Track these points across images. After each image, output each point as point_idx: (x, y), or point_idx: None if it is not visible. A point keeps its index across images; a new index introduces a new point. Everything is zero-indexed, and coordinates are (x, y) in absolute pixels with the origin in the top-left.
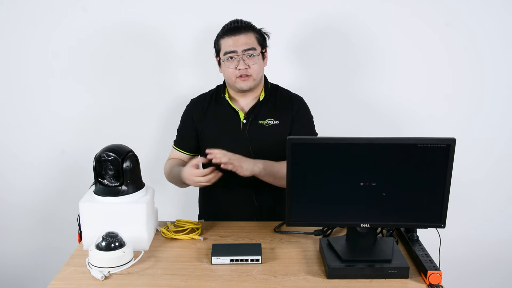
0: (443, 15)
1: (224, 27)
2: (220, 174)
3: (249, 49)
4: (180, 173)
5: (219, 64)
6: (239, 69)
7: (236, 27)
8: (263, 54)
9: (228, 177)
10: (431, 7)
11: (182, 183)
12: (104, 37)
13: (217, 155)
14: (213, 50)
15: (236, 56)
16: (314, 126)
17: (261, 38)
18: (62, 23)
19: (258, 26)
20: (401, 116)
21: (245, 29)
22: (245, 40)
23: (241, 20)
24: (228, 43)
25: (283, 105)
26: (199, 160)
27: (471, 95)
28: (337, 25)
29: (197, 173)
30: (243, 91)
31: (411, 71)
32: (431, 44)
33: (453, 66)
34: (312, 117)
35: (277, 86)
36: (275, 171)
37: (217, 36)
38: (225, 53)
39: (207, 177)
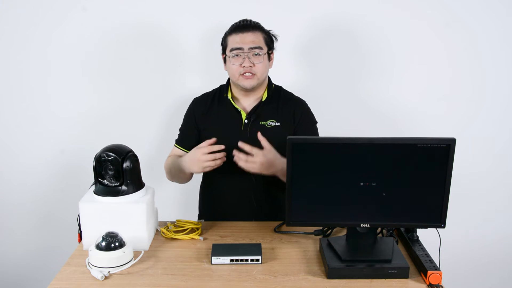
0: (443, 15)
1: (233, 25)
2: (224, 158)
3: (255, 48)
4: (182, 160)
5: (225, 61)
6: (244, 67)
7: (244, 25)
8: (269, 56)
9: (227, 177)
10: (431, 8)
11: (183, 174)
12: (104, 37)
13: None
14: (216, 50)
15: (242, 54)
16: (316, 130)
17: (269, 39)
18: (62, 23)
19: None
20: (401, 116)
21: (253, 28)
22: (252, 38)
23: (251, 20)
24: (235, 40)
25: (286, 108)
26: (212, 141)
27: (471, 95)
28: (338, 27)
29: (204, 150)
30: (245, 90)
31: (411, 71)
32: (431, 44)
33: (453, 66)
34: (315, 122)
35: (280, 87)
36: None
37: (225, 34)
38: (231, 50)
39: (214, 156)
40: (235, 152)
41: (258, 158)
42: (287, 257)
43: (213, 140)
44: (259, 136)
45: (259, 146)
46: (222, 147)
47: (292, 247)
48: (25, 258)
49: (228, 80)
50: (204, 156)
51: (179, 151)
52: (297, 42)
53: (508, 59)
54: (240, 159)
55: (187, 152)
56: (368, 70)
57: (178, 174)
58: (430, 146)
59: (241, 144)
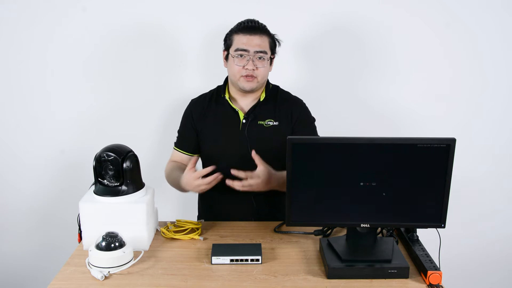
0: (443, 15)
1: (240, 23)
2: (220, 176)
3: (260, 52)
4: (181, 178)
5: (226, 58)
6: (246, 69)
7: (253, 27)
8: (271, 60)
9: (227, 178)
10: (431, 8)
11: (183, 190)
12: (104, 37)
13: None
14: (216, 51)
15: (246, 55)
16: (315, 128)
17: (273, 43)
18: (61, 23)
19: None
20: (401, 116)
21: (261, 31)
22: (259, 42)
23: (259, 22)
24: (241, 41)
25: (283, 107)
26: (194, 160)
27: (471, 95)
28: (338, 26)
29: (195, 175)
30: (243, 91)
31: (411, 71)
32: (431, 44)
33: (453, 66)
34: (313, 120)
35: (277, 87)
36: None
37: (231, 31)
38: (236, 50)
39: (207, 179)
40: (229, 182)
41: (254, 180)
42: (287, 257)
43: (212, 167)
44: (253, 154)
45: (257, 145)
46: (213, 168)
47: (292, 247)
48: (25, 258)
49: (225, 80)
50: (196, 181)
51: (178, 153)
52: (297, 41)
53: (508, 59)
54: (235, 185)
55: (186, 154)
56: (368, 70)
57: (177, 187)
58: (430, 146)
59: (234, 172)
